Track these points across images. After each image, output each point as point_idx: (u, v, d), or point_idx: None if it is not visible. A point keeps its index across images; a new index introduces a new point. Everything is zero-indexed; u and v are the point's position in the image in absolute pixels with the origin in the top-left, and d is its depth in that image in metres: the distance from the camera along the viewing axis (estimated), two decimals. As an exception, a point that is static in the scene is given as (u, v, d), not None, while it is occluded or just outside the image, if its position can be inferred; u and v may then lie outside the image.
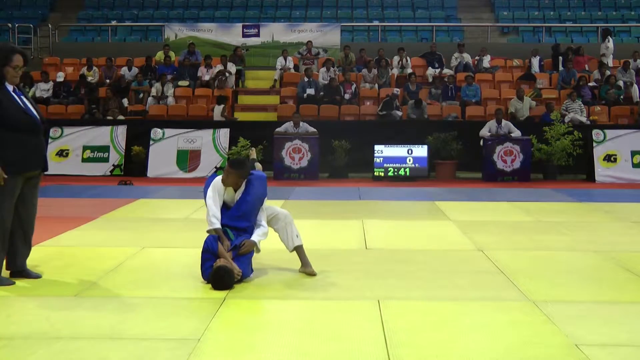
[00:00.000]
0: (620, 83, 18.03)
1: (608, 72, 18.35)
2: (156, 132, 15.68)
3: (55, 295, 5.47)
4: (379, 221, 9.29)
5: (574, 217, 9.85)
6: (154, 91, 17.93)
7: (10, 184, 5.59)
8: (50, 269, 6.23)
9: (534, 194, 12.56)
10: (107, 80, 18.89)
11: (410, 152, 14.92)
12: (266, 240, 6.20)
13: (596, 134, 15.27)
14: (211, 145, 15.50)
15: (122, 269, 6.38)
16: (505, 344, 4.39)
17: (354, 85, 17.98)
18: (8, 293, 5.49)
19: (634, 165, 15.09)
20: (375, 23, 23.70)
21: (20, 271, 5.91)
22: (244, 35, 20.96)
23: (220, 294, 5.47)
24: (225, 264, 5.69)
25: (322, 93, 17.67)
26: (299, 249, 6.30)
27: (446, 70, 19.26)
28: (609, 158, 15.10)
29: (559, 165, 15.19)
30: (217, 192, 6.10)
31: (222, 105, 16.65)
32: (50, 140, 15.60)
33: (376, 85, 18.42)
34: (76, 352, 4.18)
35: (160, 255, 7.01)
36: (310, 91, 17.61)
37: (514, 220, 9.43)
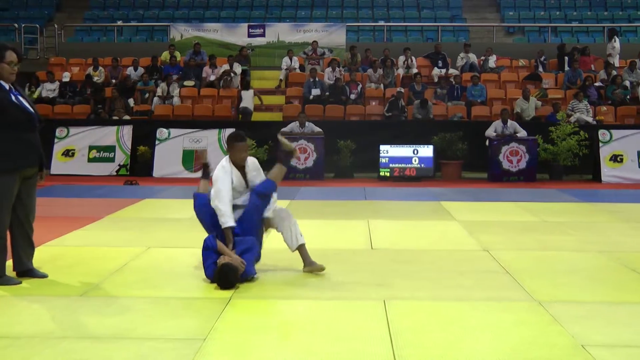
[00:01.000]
0: (627, 83, 17.99)
1: (614, 72, 18.31)
2: (162, 132, 15.70)
3: (61, 295, 5.48)
4: (385, 221, 9.28)
5: (579, 217, 9.83)
6: (159, 91, 17.95)
7: (7, 184, 5.59)
8: (56, 269, 6.24)
9: (539, 194, 12.54)
10: (113, 80, 18.93)
11: (415, 152, 14.91)
12: (269, 241, 6.19)
13: (602, 134, 15.23)
14: (217, 145, 15.49)
15: (127, 269, 6.39)
16: (511, 344, 4.38)
17: (360, 86, 17.97)
18: (14, 293, 5.50)
19: (641, 166, 15.05)
20: (381, 23, 23.68)
21: (26, 271, 5.93)
22: (250, 35, 20.99)
23: (226, 294, 5.47)
24: (229, 260, 5.68)
25: (327, 93, 17.67)
26: (301, 248, 6.29)
27: (452, 70, 19.23)
28: (615, 158, 15.05)
29: (564, 166, 15.16)
30: (228, 180, 6.12)
31: (252, 90, 16.84)
32: (56, 140, 15.65)
33: (382, 85, 18.42)
34: (81, 352, 4.19)
35: (165, 255, 7.02)
36: (316, 91, 17.62)
37: (519, 221, 9.41)
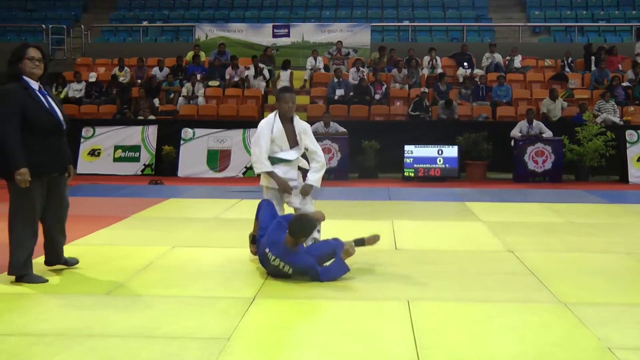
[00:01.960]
0: (655, 83, 17.80)
1: (642, 72, 18.12)
2: (187, 132, 15.78)
3: (87, 293, 5.52)
4: (409, 222, 9.26)
5: (606, 218, 9.73)
6: (184, 91, 18.05)
7: (29, 186, 5.58)
8: (82, 267, 6.30)
9: (565, 195, 12.43)
10: (138, 81, 19.08)
11: (440, 152, 14.86)
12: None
13: (629, 134, 15.08)
14: (241, 145, 15.55)
15: (152, 268, 6.43)
16: (536, 347, 4.34)
17: (384, 86, 17.94)
18: (41, 291, 5.56)
19: (668, 167, 14.88)
20: (406, 23, 23.63)
21: (61, 262, 6.19)
22: (274, 36, 21.05)
23: (250, 293, 5.49)
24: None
25: (351, 93, 17.66)
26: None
27: (477, 71, 19.14)
28: (643, 159, 14.91)
29: (591, 166, 15.03)
30: (268, 129, 6.40)
31: (289, 71, 17.70)
32: (82, 139, 15.83)
33: (406, 85, 18.37)
34: (107, 349, 4.22)
35: (190, 255, 7.05)
36: (340, 92, 17.62)
37: (545, 222, 9.34)
